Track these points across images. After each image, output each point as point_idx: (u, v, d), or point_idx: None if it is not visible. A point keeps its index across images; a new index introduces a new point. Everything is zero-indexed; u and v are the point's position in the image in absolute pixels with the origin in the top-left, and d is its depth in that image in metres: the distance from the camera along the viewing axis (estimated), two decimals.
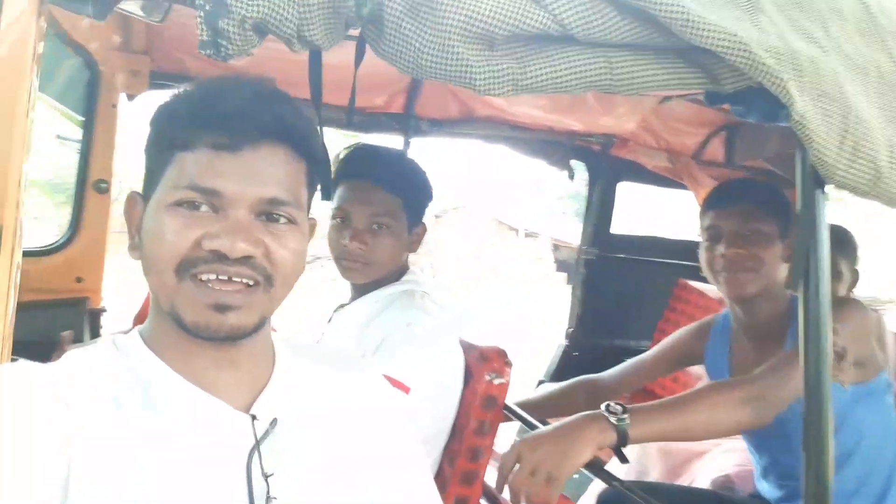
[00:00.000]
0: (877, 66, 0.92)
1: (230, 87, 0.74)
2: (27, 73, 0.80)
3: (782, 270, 1.57)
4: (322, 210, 1.08)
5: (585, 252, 3.02)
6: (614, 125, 2.72)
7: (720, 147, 2.97)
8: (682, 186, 3.03)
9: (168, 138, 0.74)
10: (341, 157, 1.51)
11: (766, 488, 1.74)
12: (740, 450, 2.06)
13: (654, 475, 2.25)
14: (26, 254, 2.04)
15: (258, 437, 0.76)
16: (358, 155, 1.51)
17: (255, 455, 0.75)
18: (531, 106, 2.50)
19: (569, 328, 3.04)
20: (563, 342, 3.04)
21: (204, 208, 0.72)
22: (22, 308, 1.98)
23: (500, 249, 19.31)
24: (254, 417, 0.77)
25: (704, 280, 3.01)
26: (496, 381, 1.50)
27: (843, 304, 1.47)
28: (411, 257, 1.58)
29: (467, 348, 1.55)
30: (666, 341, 1.93)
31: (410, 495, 0.90)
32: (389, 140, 3.09)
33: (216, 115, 0.71)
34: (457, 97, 2.54)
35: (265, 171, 0.73)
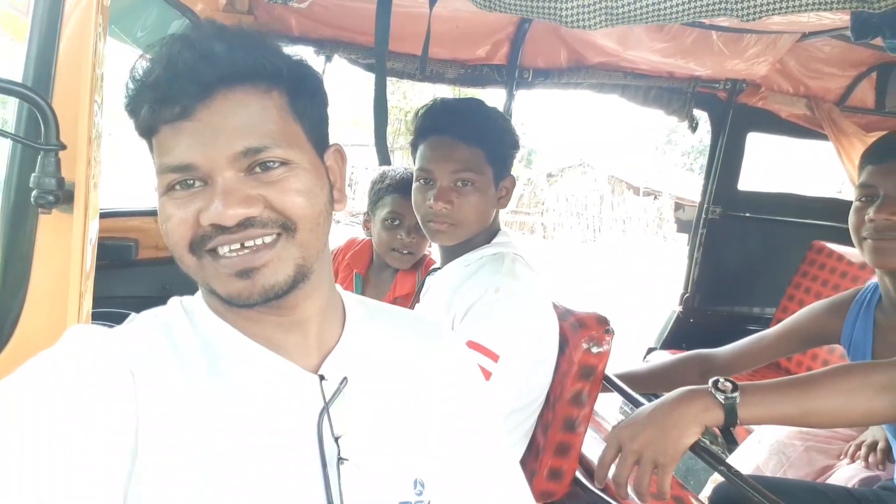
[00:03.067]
0: None
1: (159, 54, 0.66)
2: (91, 21, 0.77)
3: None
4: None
5: (708, 210, 2.78)
6: (743, 69, 2.44)
7: (870, 91, 2.63)
8: (823, 137, 2.70)
9: (137, 128, 0.69)
10: (418, 114, 1.43)
11: None
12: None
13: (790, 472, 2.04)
14: (145, 213, 2.17)
15: (327, 398, 0.73)
16: (434, 110, 1.43)
17: (325, 416, 0.72)
18: (648, 50, 2.29)
19: (684, 292, 2.83)
20: (677, 308, 2.85)
21: (196, 184, 0.66)
22: (140, 264, 2.10)
23: (618, 209, 18.64)
24: (322, 378, 0.74)
25: (844, 241, 2.71)
26: (594, 350, 1.39)
27: None
28: (515, 217, 1.50)
29: (563, 314, 1.45)
30: (796, 315, 1.70)
31: (483, 467, 0.84)
32: (493, 94, 2.97)
33: (153, 88, 0.65)
34: (566, 43, 2.38)
35: (227, 124, 0.66)
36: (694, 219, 2.88)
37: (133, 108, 0.67)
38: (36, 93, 0.72)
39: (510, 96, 2.45)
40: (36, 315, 0.82)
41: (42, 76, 0.78)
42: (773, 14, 0.73)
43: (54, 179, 0.75)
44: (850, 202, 1.85)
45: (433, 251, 1.98)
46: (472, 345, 1.22)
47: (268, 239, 0.67)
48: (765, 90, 2.62)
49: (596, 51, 2.38)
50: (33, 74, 0.78)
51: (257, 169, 0.67)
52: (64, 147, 0.75)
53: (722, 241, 2.76)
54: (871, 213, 1.35)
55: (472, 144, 1.36)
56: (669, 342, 2.78)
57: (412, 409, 0.79)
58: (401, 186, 1.85)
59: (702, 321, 2.77)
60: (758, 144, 2.80)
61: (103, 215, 2.20)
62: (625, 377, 1.55)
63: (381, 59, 1.12)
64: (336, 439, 0.71)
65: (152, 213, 2.22)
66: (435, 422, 0.81)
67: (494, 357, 1.21)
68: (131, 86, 0.67)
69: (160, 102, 0.65)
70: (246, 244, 0.66)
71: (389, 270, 1.96)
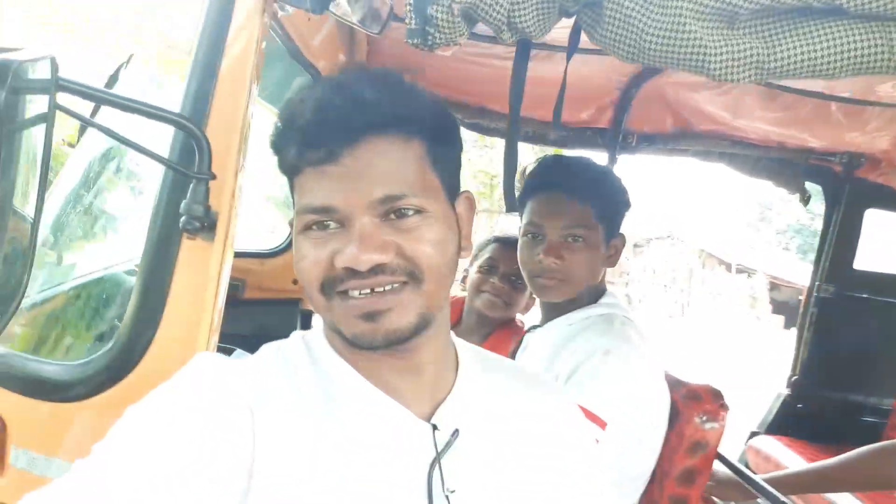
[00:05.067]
0: None
1: (308, 96, 0.68)
2: (249, 63, 0.83)
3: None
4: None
5: (820, 289, 2.62)
6: (863, 143, 2.33)
7: None
8: None
9: (281, 167, 0.72)
10: (528, 170, 1.43)
11: None
12: None
13: None
14: (252, 255, 2.26)
15: (439, 449, 0.71)
16: (546, 166, 1.43)
17: (437, 468, 0.70)
18: (760, 119, 2.23)
19: (792, 375, 2.65)
20: (784, 391, 2.66)
21: (333, 225, 0.68)
22: (245, 304, 2.18)
23: (708, 285, 17.93)
24: (434, 427, 0.73)
25: None
26: (707, 426, 1.31)
27: None
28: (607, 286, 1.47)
29: (673, 384, 1.38)
30: None
31: None
32: (594, 158, 2.97)
33: (302, 131, 0.67)
34: (672, 109, 2.36)
35: (370, 170, 0.67)
36: (794, 301, 2.72)
37: (279, 147, 0.70)
38: (194, 123, 0.77)
39: (612, 160, 2.43)
40: (169, 337, 0.85)
41: (199, 110, 0.83)
42: None
43: (202, 207, 0.79)
44: None
45: (525, 317, 1.96)
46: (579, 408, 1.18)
47: (396, 285, 0.67)
48: (886, 165, 2.48)
49: (704, 117, 2.34)
50: (191, 107, 0.83)
51: (392, 216, 0.68)
52: (214, 177, 0.80)
53: (835, 323, 2.58)
54: None
55: (583, 201, 1.34)
56: (775, 427, 2.59)
57: (524, 466, 0.76)
58: (504, 239, 1.87)
59: (812, 407, 2.57)
60: (879, 222, 2.64)
61: None
62: (795, 477, 1.40)
63: (515, 114, 1.15)
64: (447, 495, 0.69)
65: (259, 256, 2.32)
66: (548, 481, 0.77)
67: (602, 424, 1.16)
68: (279, 125, 0.70)
69: (307, 146, 0.67)
70: (375, 289, 0.67)
71: (480, 334, 1.94)
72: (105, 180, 1.14)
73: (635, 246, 20.51)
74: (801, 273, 18.93)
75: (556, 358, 1.32)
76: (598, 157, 2.51)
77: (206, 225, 0.81)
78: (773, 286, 18.52)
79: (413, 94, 0.71)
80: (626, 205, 1.43)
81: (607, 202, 1.38)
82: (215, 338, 0.85)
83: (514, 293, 1.87)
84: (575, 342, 1.32)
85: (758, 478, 1.34)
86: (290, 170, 0.70)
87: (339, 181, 0.66)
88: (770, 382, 2.79)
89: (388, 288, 0.67)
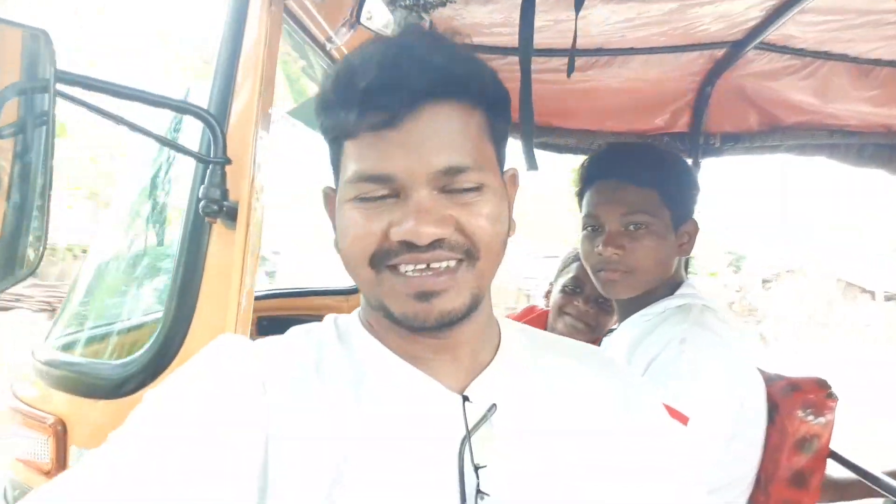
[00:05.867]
0: None
1: (369, 56, 0.65)
2: (262, 54, 0.86)
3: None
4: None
5: None
6: None
7: None
8: None
9: (331, 130, 0.69)
10: (585, 162, 1.38)
11: None
12: None
13: None
14: (334, 293, 2.32)
15: (470, 422, 0.68)
16: (603, 154, 1.37)
17: (467, 443, 0.67)
18: (855, 100, 2.05)
19: None
20: None
21: (387, 198, 0.65)
22: None
23: (850, 316, 16.34)
24: (465, 399, 0.69)
25: None
26: (812, 419, 1.17)
27: None
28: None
29: (771, 378, 1.25)
30: None
31: None
32: None
33: (363, 92, 0.62)
34: (754, 104, 2.22)
35: (432, 138, 0.63)
36: None
37: (331, 107, 0.67)
38: (205, 111, 0.81)
39: (696, 164, 2.31)
40: (203, 325, 0.88)
41: (221, 105, 0.88)
42: None
43: (219, 190, 0.82)
44: None
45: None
46: None
47: (452, 263, 0.65)
48: None
49: (791, 109, 2.18)
50: (215, 103, 0.88)
51: (452, 188, 0.65)
52: (229, 161, 0.83)
53: None
54: None
55: (643, 185, 1.27)
56: None
57: (568, 446, 0.70)
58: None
59: None
60: None
61: (302, 293, 2.41)
62: None
63: (525, 62, 1.13)
64: (476, 469, 0.65)
65: (341, 293, 2.38)
66: (596, 464, 0.71)
67: (683, 419, 1.05)
68: (333, 84, 0.66)
69: (368, 107, 0.63)
70: (431, 265, 0.64)
71: None
72: (148, 186, 1.22)
73: (764, 281, 19.15)
74: None
75: (633, 355, 1.23)
76: None
77: (225, 210, 0.83)
78: None
79: (475, 61, 0.68)
80: (696, 187, 1.35)
81: (672, 185, 1.30)
82: (245, 323, 0.87)
83: (599, 316, 1.77)
84: (651, 336, 1.23)
85: (878, 473, 1.17)
86: (342, 133, 0.66)
87: (399, 147, 0.63)
88: None
89: (444, 266, 0.65)
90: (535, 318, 1.95)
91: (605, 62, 2.01)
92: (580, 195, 1.39)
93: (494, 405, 0.69)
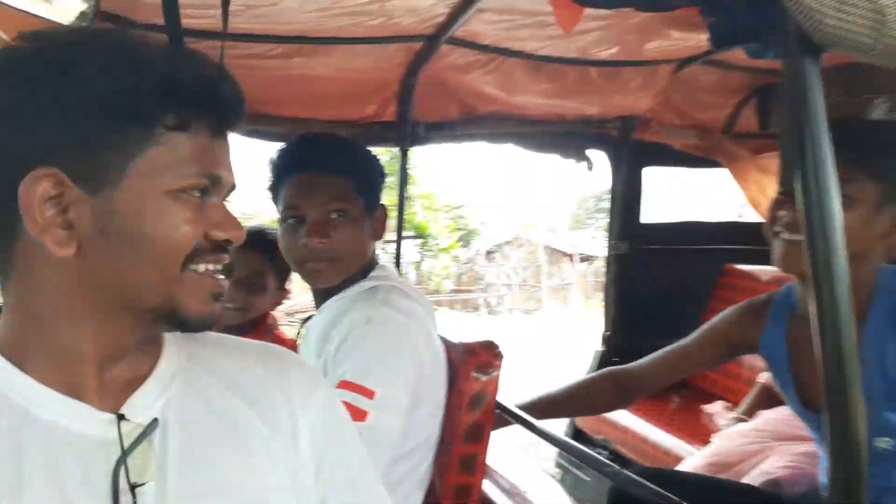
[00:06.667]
0: None
1: (220, 71, 0.66)
2: None
3: (868, 238, 1.23)
4: None
5: (614, 247, 2.78)
6: (629, 104, 2.51)
7: (752, 115, 2.72)
8: (717, 164, 2.78)
9: (151, 113, 0.62)
10: (275, 156, 1.36)
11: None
12: (792, 452, 1.76)
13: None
14: None
15: (128, 440, 0.63)
16: (294, 146, 1.37)
17: (123, 463, 0.62)
18: (533, 93, 2.32)
19: (605, 332, 2.79)
20: (600, 348, 2.79)
21: (211, 195, 0.67)
22: None
23: (556, 276, 18.92)
24: (121, 417, 0.64)
25: (757, 262, 2.74)
26: (484, 378, 1.30)
27: None
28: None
29: (450, 346, 1.36)
30: (712, 325, 1.62)
31: None
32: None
33: (218, 97, 0.65)
34: (454, 96, 2.39)
35: (230, 157, 0.69)
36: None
37: (167, 97, 0.64)
38: None
39: (403, 152, 2.43)
40: None
41: None
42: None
43: None
44: (755, 223, 1.77)
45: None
46: (345, 384, 1.11)
47: None
48: (655, 124, 2.69)
49: (484, 100, 2.39)
50: None
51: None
52: None
53: (633, 276, 2.76)
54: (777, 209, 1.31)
55: (340, 174, 1.30)
56: None
57: (238, 453, 0.69)
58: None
59: (625, 358, 2.70)
60: (658, 176, 2.85)
61: None
62: (537, 404, 1.45)
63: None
64: (133, 489, 0.61)
65: None
66: (271, 471, 0.70)
67: (370, 394, 1.10)
68: (175, 78, 0.64)
69: (215, 113, 0.67)
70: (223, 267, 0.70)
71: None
72: None
73: (488, 253, 21.19)
74: None
75: (327, 337, 1.26)
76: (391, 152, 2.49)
77: None
78: None
79: None
80: (383, 175, 1.40)
81: (364, 173, 1.35)
82: None
83: (248, 297, 1.81)
84: (344, 317, 1.26)
85: (510, 405, 1.38)
86: (169, 122, 0.64)
87: (225, 157, 0.69)
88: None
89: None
90: None
91: (309, 50, 1.98)
92: (274, 189, 1.36)
93: (156, 420, 0.65)
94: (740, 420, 2.15)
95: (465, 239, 23.90)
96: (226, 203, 0.70)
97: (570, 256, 19.44)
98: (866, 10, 0.65)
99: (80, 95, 0.60)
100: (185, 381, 0.70)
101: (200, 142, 0.65)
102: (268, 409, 0.72)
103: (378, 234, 1.37)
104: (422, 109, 2.39)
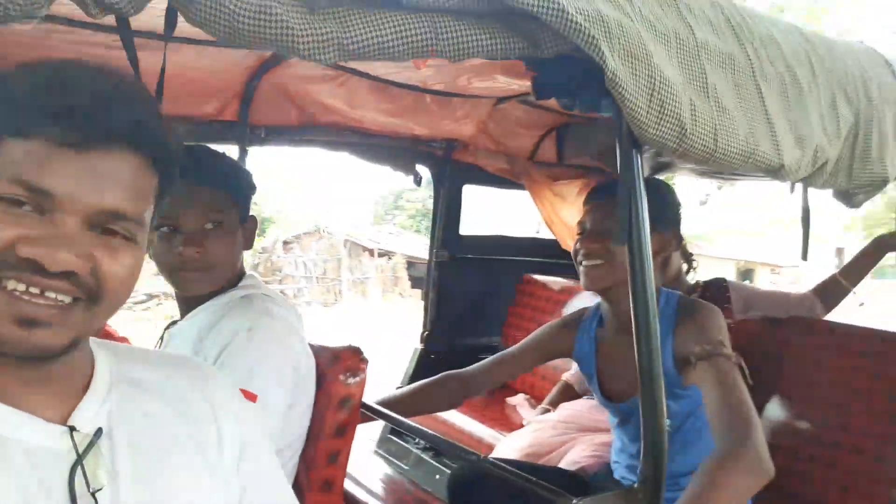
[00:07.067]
0: (675, 32, 1.01)
1: (86, 75, 0.63)
2: None
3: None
4: None
5: (436, 255, 3.06)
6: (454, 129, 2.79)
7: (552, 148, 3.15)
8: (521, 187, 3.17)
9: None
10: None
11: (621, 467, 1.84)
12: (594, 442, 2.16)
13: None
14: None
15: (80, 451, 0.68)
16: None
17: (79, 470, 0.67)
18: (374, 110, 2.50)
19: (423, 331, 3.06)
20: (419, 346, 3.05)
21: (26, 207, 0.62)
22: None
23: (357, 270, 19.16)
24: (72, 429, 0.69)
25: (552, 273, 3.19)
26: (351, 381, 1.45)
27: (698, 308, 1.57)
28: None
29: (318, 351, 1.49)
30: (535, 334, 1.96)
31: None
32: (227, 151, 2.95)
33: (66, 105, 0.61)
34: (295, 103, 2.48)
35: (111, 178, 0.64)
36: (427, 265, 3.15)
37: (8, 102, 0.64)
38: None
39: (243, 152, 2.46)
40: None
41: None
42: (471, 56, 0.90)
43: None
44: (550, 239, 2.11)
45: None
46: None
47: (67, 300, 0.65)
48: (473, 147, 3.00)
49: (325, 109, 2.51)
50: None
51: (99, 230, 0.67)
52: None
53: (451, 282, 3.06)
54: (578, 243, 1.64)
55: (215, 186, 1.36)
56: (414, 378, 2.95)
57: (180, 452, 0.77)
58: None
59: (440, 355, 3.00)
60: (475, 194, 3.17)
61: None
62: (386, 402, 1.63)
63: None
64: (94, 494, 0.67)
65: None
66: (207, 462, 0.79)
67: (253, 398, 1.20)
68: (24, 83, 0.64)
69: (61, 121, 0.64)
70: (47, 293, 0.64)
71: None
72: None
73: (285, 243, 20.75)
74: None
75: (201, 344, 1.32)
76: (230, 150, 2.51)
77: None
78: (410, 264, 20.69)
79: (168, 133, 0.73)
80: (253, 187, 1.49)
81: (239, 185, 1.42)
82: None
83: None
84: (218, 327, 1.33)
85: (372, 403, 1.56)
86: (9, 128, 0.64)
87: (74, 172, 0.64)
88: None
89: (58, 299, 0.64)
90: None
91: (156, 45, 1.96)
92: None
93: (100, 429, 0.70)
94: (546, 410, 2.55)
95: (263, 227, 23.17)
96: (114, 235, 0.66)
97: (371, 251, 19.84)
98: (674, 125, 0.95)
99: None
100: (120, 392, 0.75)
101: (34, 150, 0.61)
102: (196, 419, 0.80)
103: (249, 243, 1.45)
104: (263, 112, 2.45)
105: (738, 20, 1.13)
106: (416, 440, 2.14)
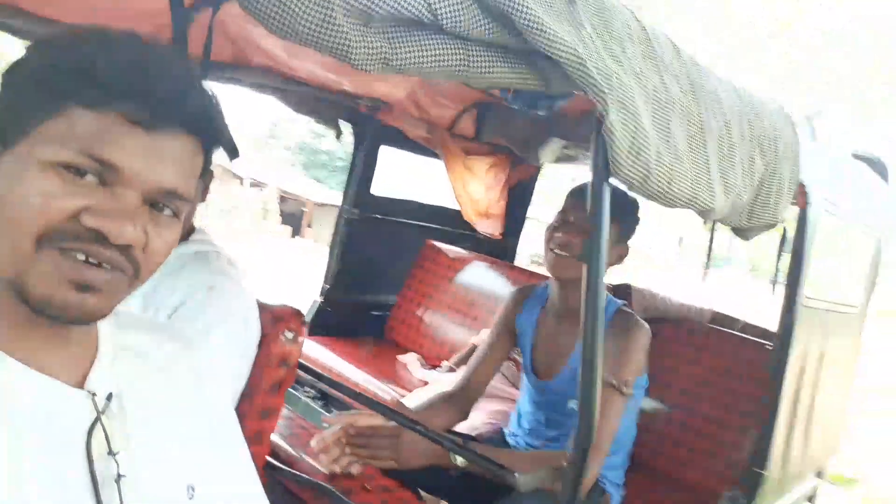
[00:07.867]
0: (653, 85, 1.17)
1: (162, 57, 0.65)
2: None
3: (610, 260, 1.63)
4: None
5: (347, 212, 3.11)
6: (386, 91, 2.82)
7: (471, 122, 3.28)
8: (436, 155, 3.28)
9: (63, 85, 0.62)
10: None
11: (521, 435, 2.04)
12: (489, 410, 2.37)
13: None
14: None
15: (91, 415, 0.71)
16: None
17: (98, 433, 0.70)
18: (311, 62, 2.47)
19: (325, 285, 3.12)
20: (319, 299, 3.12)
21: (89, 177, 0.63)
22: None
23: (223, 200, 18.31)
24: (93, 394, 0.72)
25: (452, 241, 3.36)
26: (291, 342, 1.52)
27: (630, 327, 1.70)
28: None
29: (260, 308, 1.54)
30: (497, 320, 2.04)
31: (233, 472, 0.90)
32: None
33: (146, 87, 0.63)
34: (230, 39, 2.39)
35: (173, 158, 0.67)
36: (300, 212, 3.19)
37: (83, 71, 0.63)
38: None
39: None
40: None
41: None
42: (494, 86, 1.00)
43: None
44: (455, 210, 2.18)
45: None
46: None
47: (117, 273, 0.68)
48: (398, 111, 3.06)
49: (262, 53, 2.45)
50: None
51: (150, 206, 0.69)
52: None
53: (358, 239, 3.13)
54: (556, 231, 1.76)
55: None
56: (314, 330, 3.03)
57: (181, 413, 0.82)
58: None
59: (339, 309, 3.09)
60: (392, 156, 3.24)
61: None
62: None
63: None
64: (114, 455, 0.70)
65: None
66: (201, 420, 0.84)
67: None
68: (102, 56, 0.63)
69: (137, 100, 0.65)
70: (104, 264, 0.66)
71: None
72: None
73: None
74: (305, 187, 20.96)
75: (153, 296, 1.33)
76: None
77: None
78: (283, 199, 20.11)
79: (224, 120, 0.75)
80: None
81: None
82: None
83: None
84: (172, 280, 1.34)
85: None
86: (80, 97, 0.63)
87: (142, 150, 0.66)
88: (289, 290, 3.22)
89: (111, 269, 0.66)
90: None
91: None
92: None
93: (111, 394, 0.73)
94: (451, 370, 2.72)
95: None
96: (162, 211, 0.68)
97: (241, 179, 19.01)
98: (642, 169, 1.11)
99: (19, 67, 0.66)
100: (123, 357, 0.78)
101: (105, 123, 0.63)
102: (180, 383, 0.83)
103: (203, 196, 1.46)
104: (198, 44, 2.35)
105: (695, 76, 1.30)
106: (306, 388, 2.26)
